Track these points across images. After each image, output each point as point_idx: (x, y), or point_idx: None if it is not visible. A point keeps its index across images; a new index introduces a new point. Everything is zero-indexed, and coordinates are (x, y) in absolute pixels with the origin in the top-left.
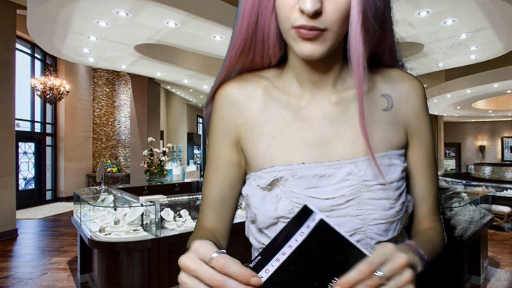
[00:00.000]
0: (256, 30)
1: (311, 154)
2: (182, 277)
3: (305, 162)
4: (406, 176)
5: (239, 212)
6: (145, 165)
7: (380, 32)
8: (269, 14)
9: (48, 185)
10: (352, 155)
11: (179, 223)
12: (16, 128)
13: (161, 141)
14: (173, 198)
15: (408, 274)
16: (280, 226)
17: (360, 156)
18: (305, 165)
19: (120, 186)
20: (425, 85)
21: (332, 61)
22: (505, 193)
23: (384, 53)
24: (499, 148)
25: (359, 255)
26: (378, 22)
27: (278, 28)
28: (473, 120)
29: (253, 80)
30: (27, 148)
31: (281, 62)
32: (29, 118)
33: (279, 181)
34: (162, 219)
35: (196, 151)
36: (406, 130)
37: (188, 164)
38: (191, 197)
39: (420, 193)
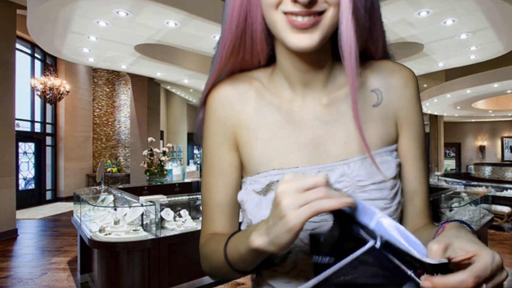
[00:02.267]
0: (246, 27)
1: (305, 157)
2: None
3: (299, 166)
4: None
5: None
6: (145, 165)
7: (370, 24)
8: (255, 11)
9: (48, 185)
10: (344, 155)
11: (179, 223)
12: (16, 128)
13: (161, 141)
14: (173, 198)
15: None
16: None
17: (352, 156)
18: (299, 169)
19: (120, 186)
20: (425, 85)
21: (322, 59)
22: (505, 193)
23: (374, 48)
24: (499, 148)
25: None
26: (368, 13)
27: (264, 24)
28: (473, 120)
29: (245, 80)
30: (27, 148)
31: (271, 61)
32: (29, 118)
33: (274, 185)
34: (162, 219)
35: (196, 151)
36: (396, 123)
37: (188, 164)
38: (191, 197)
39: (411, 186)
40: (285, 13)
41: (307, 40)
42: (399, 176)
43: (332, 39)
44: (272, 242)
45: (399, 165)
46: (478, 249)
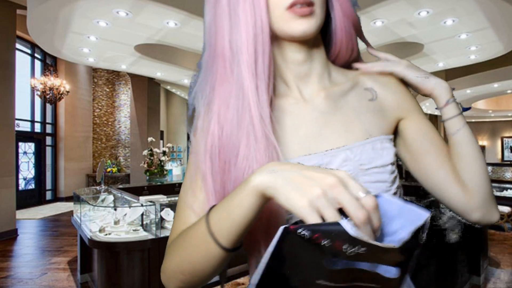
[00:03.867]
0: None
1: (305, 149)
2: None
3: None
4: (413, 152)
5: None
6: (145, 165)
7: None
8: (261, 16)
9: (48, 185)
10: (345, 143)
11: None
12: (16, 128)
13: (161, 141)
14: (173, 198)
15: None
16: None
17: (354, 142)
18: (301, 158)
19: (120, 186)
20: None
21: (314, 52)
22: (505, 193)
23: (351, 45)
24: (499, 148)
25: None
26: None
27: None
28: (473, 120)
29: None
30: (27, 148)
31: None
32: (29, 118)
33: None
34: (162, 219)
35: None
36: (396, 115)
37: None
38: None
39: (442, 146)
40: (287, 8)
41: (306, 25)
42: (396, 165)
43: (323, 39)
44: (279, 188)
45: (396, 155)
46: None
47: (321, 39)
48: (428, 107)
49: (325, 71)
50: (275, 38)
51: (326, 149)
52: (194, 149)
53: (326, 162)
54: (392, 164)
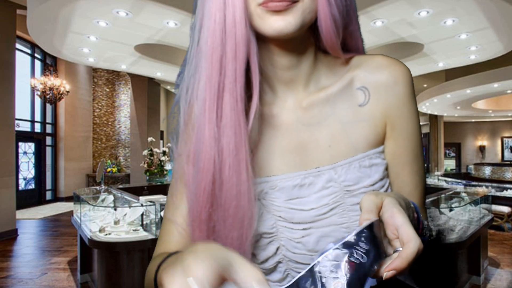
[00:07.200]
0: (227, 33)
1: (289, 163)
2: None
3: (283, 173)
4: (389, 172)
5: None
6: (145, 165)
7: (345, 13)
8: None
9: (48, 185)
10: (330, 159)
11: None
12: (16, 128)
13: (161, 141)
14: None
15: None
16: (264, 242)
17: (338, 160)
18: (283, 176)
19: (120, 186)
20: (425, 85)
21: (302, 56)
22: (505, 193)
23: (354, 42)
24: (499, 148)
25: None
26: (343, 3)
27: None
28: (473, 120)
29: None
30: (27, 148)
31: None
32: (29, 118)
33: (259, 194)
34: (162, 219)
35: None
36: (385, 123)
37: None
38: None
39: (407, 189)
40: (260, 4)
41: (281, 22)
42: (387, 176)
43: (313, 34)
44: None
45: (387, 167)
46: (411, 236)
47: (312, 30)
48: (428, 107)
49: (312, 74)
50: (263, 40)
51: (310, 167)
52: (177, 154)
53: (308, 182)
54: (382, 179)
